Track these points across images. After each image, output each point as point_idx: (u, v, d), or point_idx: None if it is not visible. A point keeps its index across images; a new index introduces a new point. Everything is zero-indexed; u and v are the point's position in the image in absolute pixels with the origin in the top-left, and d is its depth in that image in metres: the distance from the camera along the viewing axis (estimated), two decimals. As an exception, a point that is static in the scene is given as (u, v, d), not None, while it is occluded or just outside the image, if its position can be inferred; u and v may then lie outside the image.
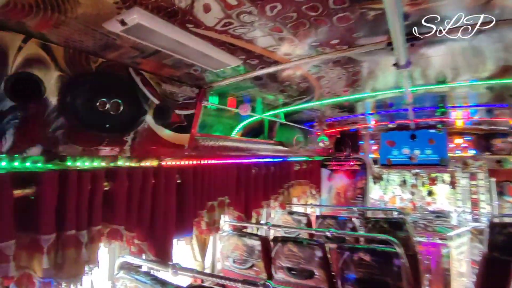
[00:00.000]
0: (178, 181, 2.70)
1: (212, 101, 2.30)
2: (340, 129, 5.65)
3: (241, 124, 3.71)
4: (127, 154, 1.87)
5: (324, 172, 6.24)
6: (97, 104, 1.55)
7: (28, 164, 1.51)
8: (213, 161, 3.00)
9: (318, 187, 6.03)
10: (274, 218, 4.77)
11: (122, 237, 2.11)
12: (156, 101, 1.91)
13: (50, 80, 1.39)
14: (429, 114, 4.60)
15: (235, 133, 3.72)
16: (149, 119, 1.90)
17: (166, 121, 2.02)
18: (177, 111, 2.09)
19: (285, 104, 3.35)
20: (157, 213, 2.37)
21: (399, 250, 2.57)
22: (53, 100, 1.42)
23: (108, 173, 2.04)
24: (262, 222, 4.84)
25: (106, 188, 2.08)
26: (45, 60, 1.36)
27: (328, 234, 2.91)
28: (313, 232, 3.33)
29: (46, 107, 1.40)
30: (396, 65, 1.58)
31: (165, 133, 2.04)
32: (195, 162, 2.84)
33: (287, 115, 3.72)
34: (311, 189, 5.80)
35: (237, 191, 3.51)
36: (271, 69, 1.90)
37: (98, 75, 1.55)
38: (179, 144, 2.19)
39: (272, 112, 3.47)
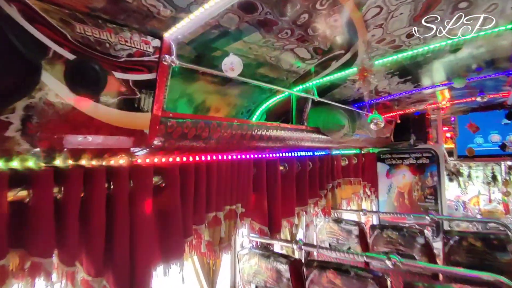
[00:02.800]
0: (163, 184, 1.92)
1: (184, 61, 1.44)
2: (400, 111, 4.43)
3: (262, 107, 2.81)
4: (22, 145, 1.11)
5: (382, 168, 5.02)
6: None
7: None
8: (214, 156, 2.15)
9: (374, 186, 4.86)
10: (317, 226, 3.83)
11: (49, 274, 1.37)
12: (68, 55, 1.11)
13: None
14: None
15: (256, 119, 2.83)
16: (54, 84, 1.10)
17: (95, 90, 1.21)
18: (118, 75, 1.27)
19: (317, 73, 2.36)
20: (119, 234, 1.60)
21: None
22: None
23: (20, 178, 1.33)
24: (300, 230, 3.97)
25: (26, 200, 1.37)
26: None
27: (389, 264, 1.87)
28: (368, 259, 2.28)
29: None
30: None
31: (96, 110, 1.23)
32: (191, 158, 2.02)
33: (323, 91, 2.71)
34: (365, 189, 4.68)
35: (258, 196, 2.61)
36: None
37: None
38: (131, 129, 1.37)
39: (299, 87, 2.51)
